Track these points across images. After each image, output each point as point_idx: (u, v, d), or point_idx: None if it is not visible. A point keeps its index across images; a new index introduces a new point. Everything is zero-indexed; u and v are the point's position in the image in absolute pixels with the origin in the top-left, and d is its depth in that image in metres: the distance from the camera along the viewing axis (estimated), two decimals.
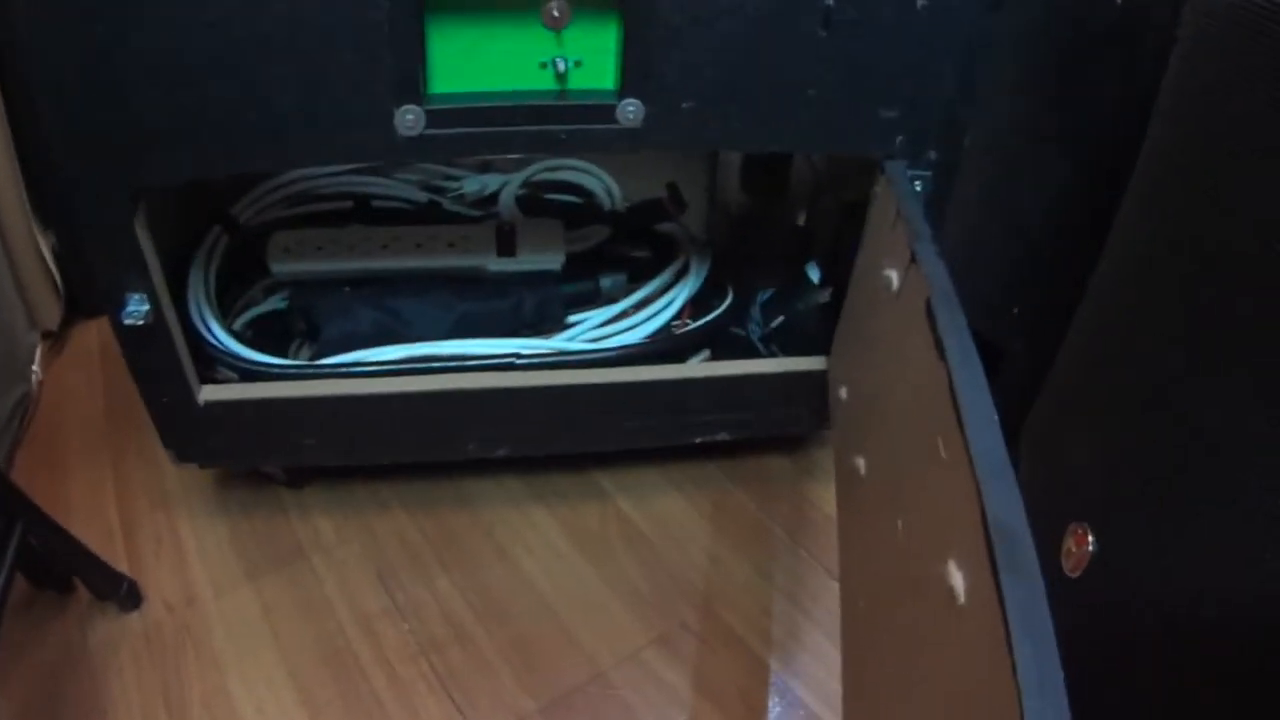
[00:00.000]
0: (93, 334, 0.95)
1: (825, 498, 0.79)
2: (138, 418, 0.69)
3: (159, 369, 0.63)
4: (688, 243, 0.79)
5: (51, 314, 0.90)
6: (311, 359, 0.70)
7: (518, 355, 0.68)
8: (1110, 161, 0.63)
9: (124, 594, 0.68)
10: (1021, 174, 0.79)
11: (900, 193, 0.57)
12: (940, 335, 0.44)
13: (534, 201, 0.81)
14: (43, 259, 0.87)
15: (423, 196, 0.79)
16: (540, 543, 0.74)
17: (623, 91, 0.54)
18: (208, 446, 0.69)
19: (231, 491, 0.78)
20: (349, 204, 0.78)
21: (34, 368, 0.87)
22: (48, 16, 0.47)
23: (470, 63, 0.53)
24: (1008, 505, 0.34)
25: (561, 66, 0.53)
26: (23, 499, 0.60)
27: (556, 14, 0.52)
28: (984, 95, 0.63)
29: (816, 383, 0.69)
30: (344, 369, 0.67)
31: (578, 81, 0.55)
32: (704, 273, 0.76)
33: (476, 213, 0.80)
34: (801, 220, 0.79)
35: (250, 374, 0.67)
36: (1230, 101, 0.46)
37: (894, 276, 0.53)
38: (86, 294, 0.93)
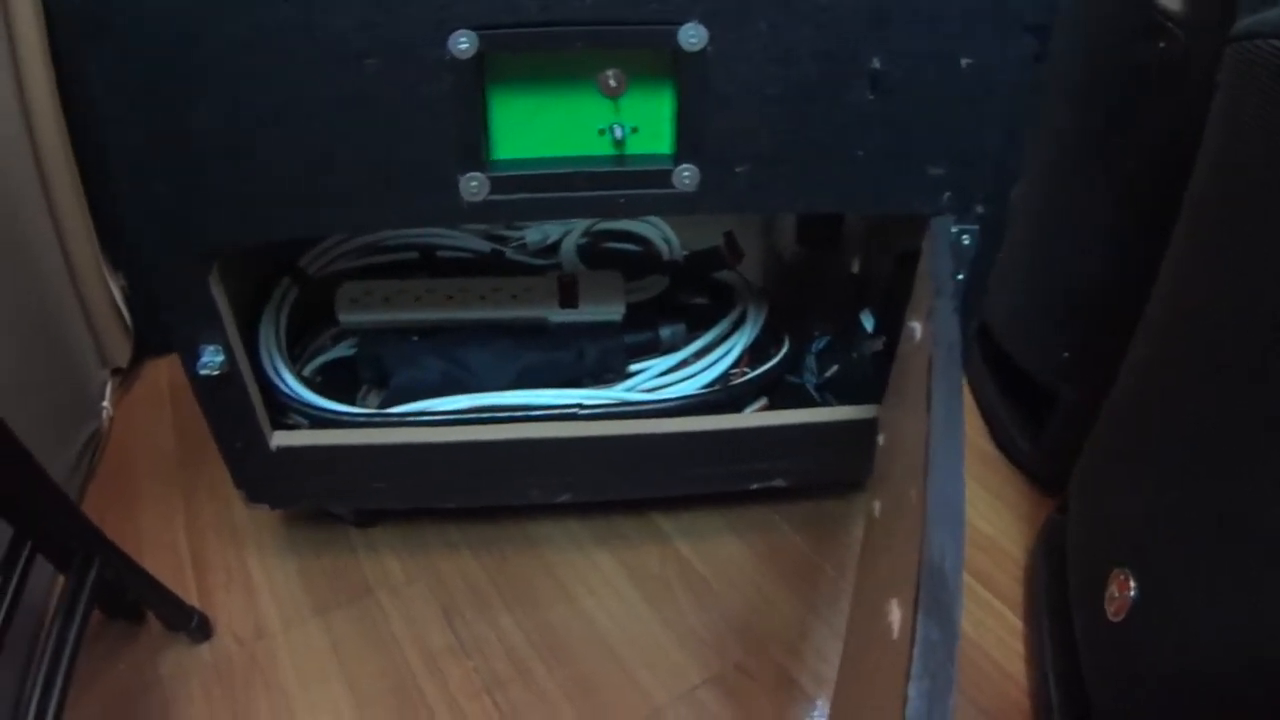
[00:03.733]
0: (162, 371, 0.98)
1: None
2: (207, 454, 0.71)
3: (232, 416, 0.66)
4: (745, 291, 0.80)
5: (121, 352, 0.93)
6: (380, 406, 0.72)
7: (580, 406, 0.70)
8: (1158, 206, 0.62)
9: (194, 626, 0.70)
10: (1070, 219, 0.80)
11: (934, 248, 0.58)
12: (930, 389, 0.45)
13: (594, 250, 0.83)
14: (113, 299, 0.90)
15: (486, 246, 0.81)
16: (601, 583, 0.76)
17: (678, 157, 0.55)
18: (278, 489, 0.71)
19: (299, 529, 0.80)
20: (414, 255, 0.80)
21: (105, 404, 0.90)
22: (119, 86, 0.49)
23: (531, 130, 0.55)
24: (946, 550, 0.35)
25: (619, 133, 0.54)
26: (98, 535, 0.62)
27: (613, 83, 0.53)
28: (1032, 144, 0.63)
29: (869, 431, 0.70)
30: (413, 418, 0.69)
31: (635, 147, 0.56)
32: (761, 321, 0.78)
33: (538, 262, 0.81)
34: (856, 268, 0.80)
35: (321, 421, 0.69)
36: (1269, 146, 0.45)
37: (917, 329, 0.54)
38: (155, 333, 0.96)
